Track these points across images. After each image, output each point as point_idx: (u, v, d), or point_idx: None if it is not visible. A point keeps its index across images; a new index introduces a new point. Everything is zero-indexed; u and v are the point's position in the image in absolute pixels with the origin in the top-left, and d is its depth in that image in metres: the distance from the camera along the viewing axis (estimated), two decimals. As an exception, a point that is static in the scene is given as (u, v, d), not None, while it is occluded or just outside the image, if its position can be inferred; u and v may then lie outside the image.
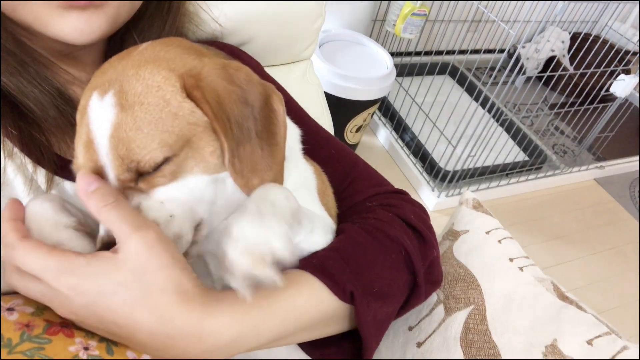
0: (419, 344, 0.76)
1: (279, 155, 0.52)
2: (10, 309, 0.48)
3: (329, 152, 0.76)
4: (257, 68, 0.83)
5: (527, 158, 2.39)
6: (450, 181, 2.10)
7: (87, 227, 0.52)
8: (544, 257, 2.10)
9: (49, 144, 0.60)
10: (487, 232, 0.84)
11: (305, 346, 0.63)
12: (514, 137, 2.41)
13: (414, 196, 2.26)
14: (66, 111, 0.60)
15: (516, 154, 2.32)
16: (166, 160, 0.48)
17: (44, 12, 0.52)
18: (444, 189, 2.12)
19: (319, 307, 0.56)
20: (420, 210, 0.72)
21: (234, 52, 0.83)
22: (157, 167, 0.48)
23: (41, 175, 0.59)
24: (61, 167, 0.61)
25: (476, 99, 2.20)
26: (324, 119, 1.09)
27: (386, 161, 2.33)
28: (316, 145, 0.74)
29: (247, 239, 0.45)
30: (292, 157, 0.61)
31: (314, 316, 0.56)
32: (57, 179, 0.61)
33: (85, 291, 0.45)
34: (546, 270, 2.03)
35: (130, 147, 0.46)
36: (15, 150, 0.58)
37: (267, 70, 0.85)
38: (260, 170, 0.51)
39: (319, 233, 0.61)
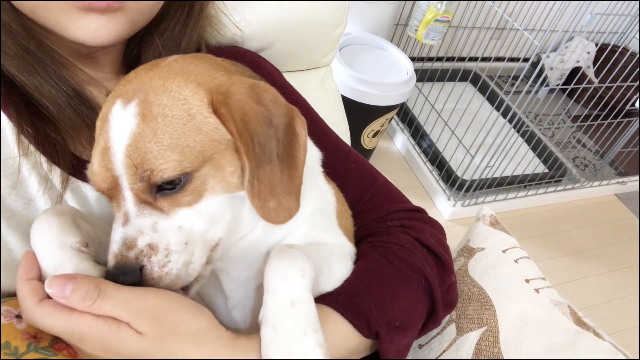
0: (429, 363, 0.74)
1: (297, 179, 0.52)
2: (19, 316, 0.48)
3: (349, 166, 0.75)
4: (276, 75, 0.82)
5: (546, 170, 2.34)
6: (467, 191, 2.07)
7: (91, 249, 0.52)
8: (560, 272, 2.05)
9: (64, 144, 0.60)
10: (504, 251, 0.82)
11: None
12: (534, 149, 2.37)
13: (429, 205, 2.21)
14: (82, 111, 0.60)
15: (535, 166, 2.27)
16: (185, 176, 0.47)
17: (62, 15, 0.52)
18: (460, 199, 2.09)
19: (345, 346, 0.57)
20: (438, 232, 0.72)
21: (254, 58, 0.82)
22: (175, 182, 0.47)
23: (56, 174, 0.59)
24: (76, 167, 0.61)
25: (497, 108, 2.15)
26: (341, 127, 1.07)
27: (402, 167, 2.31)
28: (336, 158, 0.73)
29: None
30: (312, 179, 0.61)
31: (339, 354, 0.56)
32: (72, 179, 0.61)
33: (112, 353, 0.46)
34: (562, 286, 2.00)
35: (146, 157, 0.45)
36: (31, 148, 0.58)
37: (286, 76, 0.84)
38: (278, 193, 0.51)
39: (337, 268, 0.60)
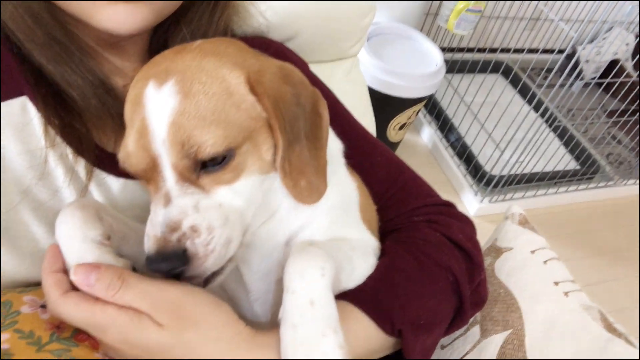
0: (451, 365, 0.73)
1: (322, 160, 0.53)
2: (44, 306, 0.49)
3: (375, 159, 0.73)
4: (301, 66, 0.81)
5: (578, 167, 2.27)
6: (495, 186, 2.02)
7: (113, 242, 0.52)
8: (589, 273, 2.00)
9: (89, 135, 0.60)
10: (532, 252, 0.79)
11: None
12: (566, 144, 2.30)
13: (455, 200, 2.16)
14: (107, 102, 0.60)
15: (567, 162, 2.20)
16: (229, 152, 0.47)
17: (89, 3, 0.52)
18: (488, 194, 2.05)
19: (366, 343, 0.56)
20: (467, 227, 0.70)
21: (280, 49, 0.81)
22: (219, 159, 0.47)
23: (81, 166, 0.60)
24: (101, 159, 0.61)
25: (529, 102, 2.09)
26: (367, 119, 1.05)
27: (429, 161, 2.27)
28: (362, 150, 0.72)
29: None
30: (333, 171, 0.60)
31: (360, 351, 0.56)
32: (97, 171, 0.61)
33: (132, 346, 0.47)
34: (591, 287, 1.94)
35: (192, 133, 0.45)
36: (58, 140, 0.58)
37: (311, 67, 0.83)
38: (308, 172, 0.51)
39: (359, 265, 0.59)
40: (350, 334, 0.51)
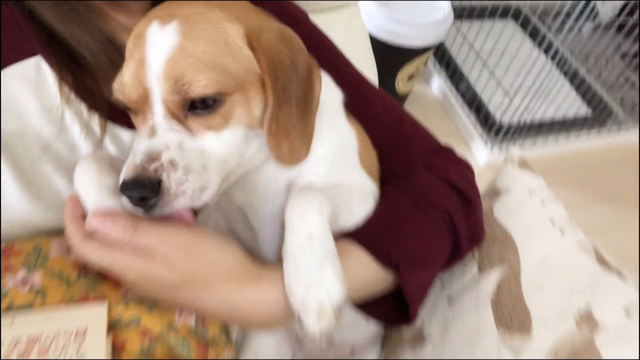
0: (449, 299, 0.77)
1: (309, 128, 0.55)
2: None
3: (375, 108, 0.75)
4: (301, 16, 0.82)
5: (590, 113, 2.24)
6: (506, 135, 2.02)
7: None
8: (600, 219, 2.00)
9: (100, 92, 0.63)
10: (530, 192, 0.82)
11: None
12: (578, 89, 2.26)
13: (465, 150, 2.13)
14: (116, 59, 0.62)
15: (579, 108, 2.18)
16: (218, 96, 0.49)
17: None
18: (498, 143, 2.05)
19: (365, 278, 0.60)
20: (465, 169, 0.73)
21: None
22: (209, 101, 0.49)
23: (95, 121, 0.63)
24: (113, 113, 0.64)
25: (539, 46, 2.05)
26: (368, 69, 1.05)
27: (438, 112, 2.26)
28: (362, 100, 0.74)
29: (307, 303, 0.50)
30: (332, 119, 0.62)
31: (360, 285, 0.60)
32: (111, 126, 0.65)
33: (149, 285, 0.51)
34: (599, 233, 1.93)
35: (185, 70, 0.47)
36: (72, 97, 0.61)
37: (311, 16, 0.83)
38: (292, 136, 0.53)
39: (358, 207, 0.62)
40: (349, 268, 0.55)
